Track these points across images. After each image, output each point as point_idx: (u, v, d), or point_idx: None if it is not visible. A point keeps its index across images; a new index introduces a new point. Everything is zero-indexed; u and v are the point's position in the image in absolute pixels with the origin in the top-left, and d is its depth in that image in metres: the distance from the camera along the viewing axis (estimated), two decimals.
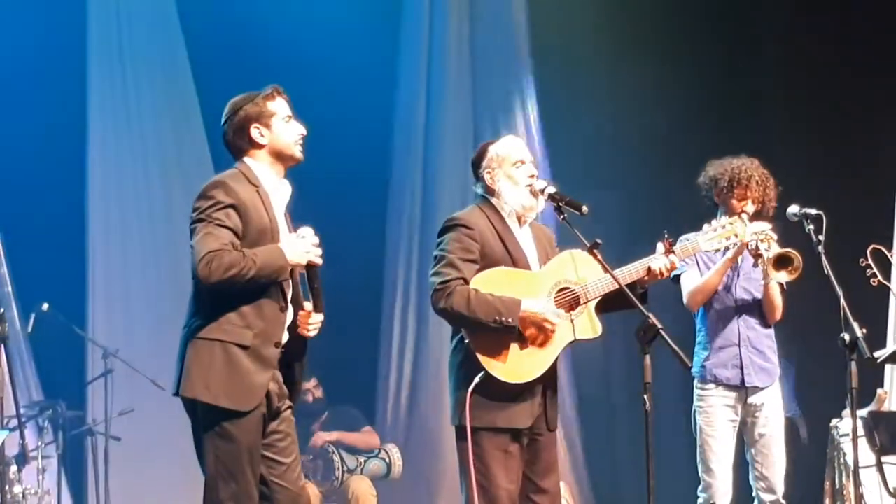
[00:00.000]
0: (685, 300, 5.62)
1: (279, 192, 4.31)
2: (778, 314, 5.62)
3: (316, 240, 4.23)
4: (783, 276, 5.37)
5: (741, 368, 5.54)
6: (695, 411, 5.62)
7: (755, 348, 5.58)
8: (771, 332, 5.64)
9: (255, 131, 4.27)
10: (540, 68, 8.91)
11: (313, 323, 4.29)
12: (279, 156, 4.30)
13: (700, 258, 5.62)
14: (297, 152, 4.31)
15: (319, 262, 4.22)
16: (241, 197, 4.15)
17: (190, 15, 8.49)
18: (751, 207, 5.51)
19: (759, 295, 5.55)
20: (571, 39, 8.72)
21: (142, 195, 8.47)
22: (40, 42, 8.01)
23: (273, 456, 4.25)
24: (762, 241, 5.33)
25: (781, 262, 5.33)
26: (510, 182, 4.75)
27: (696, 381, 5.63)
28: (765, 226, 5.39)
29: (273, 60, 7.97)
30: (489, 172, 4.79)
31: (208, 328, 4.12)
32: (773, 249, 5.32)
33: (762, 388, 5.57)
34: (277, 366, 4.23)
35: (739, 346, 5.56)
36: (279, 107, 4.31)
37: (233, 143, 4.31)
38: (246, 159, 4.29)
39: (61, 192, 8.13)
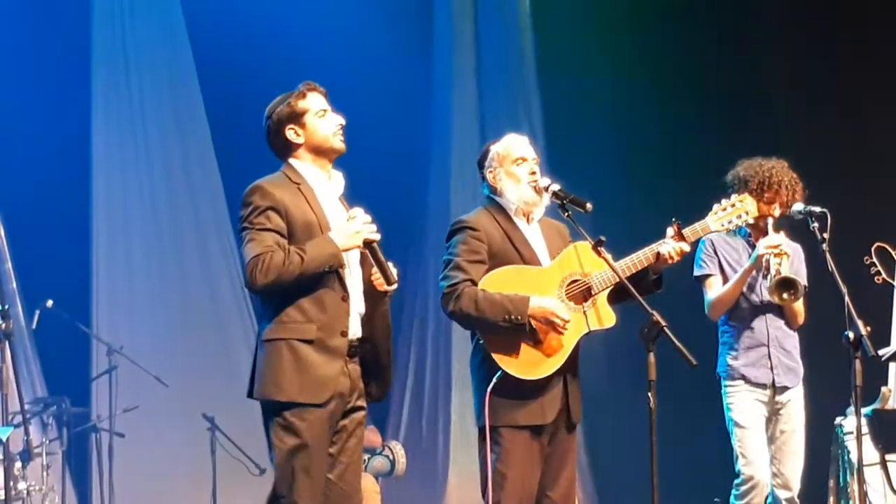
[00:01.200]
0: (707, 310, 5.61)
1: (325, 185, 4.34)
2: (800, 319, 5.61)
3: (367, 217, 4.24)
4: (777, 299, 5.38)
5: (771, 368, 5.53)
6: (726, 408, 5.61)
7: (783, 348, 5.57)
8: (795, 332, 5.64)
9: (289, 132, 4.31)
10: (544, 67, 8.91)
11: (378, 278, 4.28)
12: (318, 150, 4.33)
13: (725, 261, 5.60)
14: (337, 143, 4.33)
15: (376, 237, 4.23)
16: (278, 197, 4.19)
17: (195, 17, 8.49)
18: (777, 211, 5.50)
19: None
20: (575, 40, 8.72)
21: (146, 192, 8.49)
22: (45, 44, 8.03)
23: (333, 453, 4.26)
24: (776, 255, 5.33)
25: (783, 285, 5.34)
26: (512, 179, 4.77)
27: (723, 381, 5.61)
28: (780, 239, 5.37)
29: (277, 62, 7.97)
30: (491, 171, 4.82)
31: (273, 329, 4.18)
32: (784, 270, 5.32)
33: (790, 388, 5.57)
34: (348, 356, 4.25)
35: (769, 345, 5.54)
36: (311, 103, 4.33)
37: (274, 146, 4.37)
38: (290, 160, 4.35)
39: (66, 190, 8.14)
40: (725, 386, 5.60)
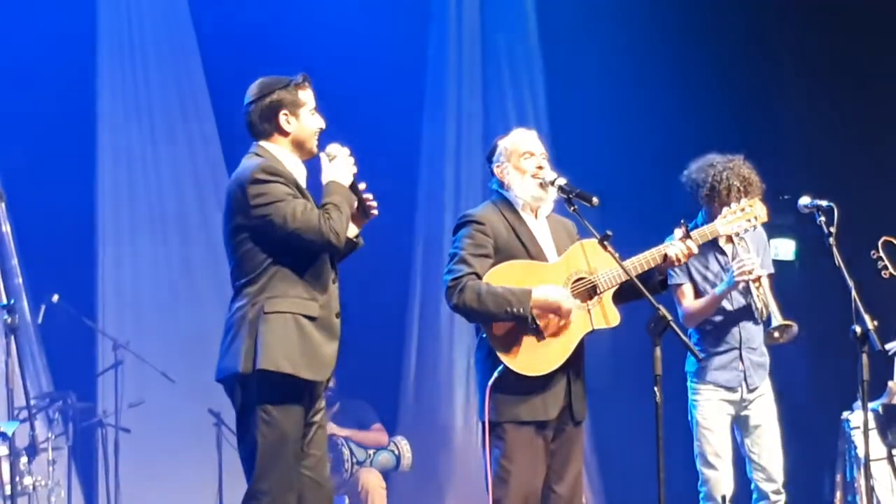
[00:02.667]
0: (681, 319, 5.54)
1: (297, 171, 4.34)
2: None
3: (346, 150, 4.30)
4: (771, 341, 5.41)
5: (743, 371, 5.51)
6: (691, 406, 5.60)
7: (751, 348, 5.55)
8: (759, 326, 5.62)
9: (283, 118, 4.30)
10: (548, 60, 8.89)
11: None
12: (300, 146, 4.34)
13: (695, 268, 5.55)
14: (315, 146, 4.35)
15: (355, 169, 4.30)
16: (285, 172, 4.21)
17: (200, 6, 8.48)
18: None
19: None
20: (580, 31, 8.71)
21: (152, 187, 8.48)
22: (50, 36, 8.00)
23: (304, 444, 4.27)
24: (754, 281, 5.32)
25: (780, 328, 5.36)
26: (518, 174, 4.76)
27: (691, 379, 5.59)
28: (750, 257, 5.33)
29: (282, 50, 7.95)
30: (499, 166, 4.82)
31: (277, 303, 4.17)
32: (770, 304, 5.31)
33: (759, 385, 5.56)
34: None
35: (741, 349, 5.52)
36: (308, 97, 4.35)
37: (257, 124, 4.32)
38: (266, 142, 4.31)
39: (71, 184, 8.12)
40: (693, 383, 5.58)
